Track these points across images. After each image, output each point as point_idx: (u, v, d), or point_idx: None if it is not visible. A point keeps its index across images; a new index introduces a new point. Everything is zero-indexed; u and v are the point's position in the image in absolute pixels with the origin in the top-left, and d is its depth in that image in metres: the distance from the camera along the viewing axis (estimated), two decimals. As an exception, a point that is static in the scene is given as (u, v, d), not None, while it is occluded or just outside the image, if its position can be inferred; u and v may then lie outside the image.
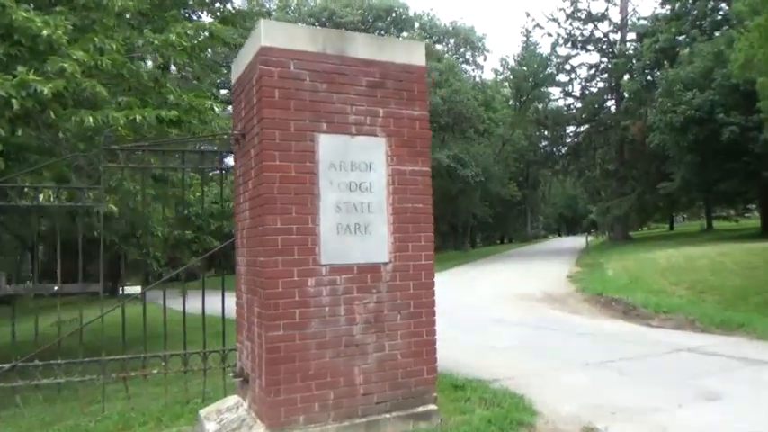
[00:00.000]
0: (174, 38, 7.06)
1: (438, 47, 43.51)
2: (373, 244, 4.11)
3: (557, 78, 37.77)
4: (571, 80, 37.03)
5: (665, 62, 29.22)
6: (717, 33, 26.20)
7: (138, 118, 6.10)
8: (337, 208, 4.01)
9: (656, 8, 31.97)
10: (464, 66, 46.04)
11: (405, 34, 40.22)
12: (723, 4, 27.81)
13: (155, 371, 4.86)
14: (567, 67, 36.89)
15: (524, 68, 38.37)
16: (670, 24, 29.06)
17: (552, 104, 39.26)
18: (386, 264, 4.16)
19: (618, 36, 35.20)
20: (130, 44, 7.13)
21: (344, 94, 4.09)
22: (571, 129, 38.13)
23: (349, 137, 4.09)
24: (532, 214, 67.69)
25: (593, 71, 35.94)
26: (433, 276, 4.36)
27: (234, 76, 4.70)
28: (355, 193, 4.08)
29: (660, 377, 5.75)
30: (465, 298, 14.93)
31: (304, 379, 3.83)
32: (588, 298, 13.75)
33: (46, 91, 5.21)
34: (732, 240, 22.93)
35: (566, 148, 38.36)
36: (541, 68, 37.20)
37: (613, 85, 34.10)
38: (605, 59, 35.03)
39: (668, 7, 30.57)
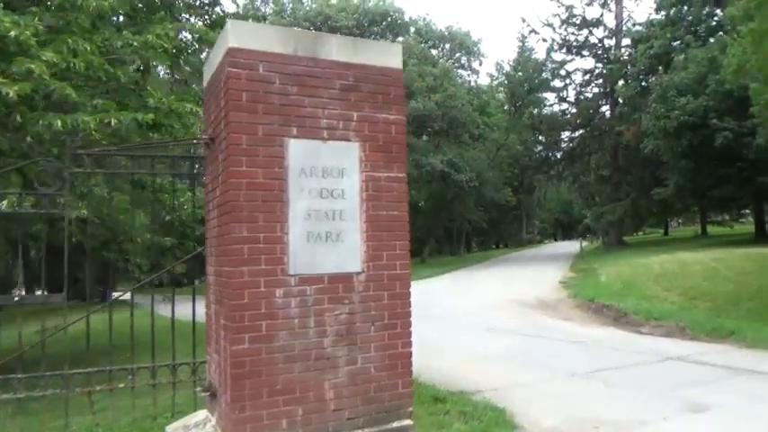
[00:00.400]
0: (152, 39, 6.91)
1: (433, 51, 43.51)
2: (345, 253, 3.96)
3: (552, 84, 37.78)
4: (566, 85, 37.05)
5: (660, 68, 29.20)
6: (711, 39, 26.19)
7: (114, 121, 5.94)
8: (308, 215, 3.86)
9: (650, 14, 32.22)
10: (459, 70, 46.07)
11: (400, 39, 40.20)
12: (718, 10, 27.82)
13: (121, 384, 4.69)
14: (563, 72, 36.89)
15: (519, 73, 38.33)
16: (665, 30, 29.07)
17: (547, 110, 39.22)
18: (359, 273, 4.01)
19: (613, 42, 35.22)
20: (110, 46, 6.97)
21: (316, 97, 3.95)
22: (566, 134, 38.13)
23: (321, 142, 3.94)
24: (528, 219, 67.67)
25: (587, 76, 35.96)
26: (409, 286, 4.22)
27: (205, 79, 4.56)
28: (327, 200, 3.93)
29: (647, 388, 5.60)
30: (459, 304, 14.81)
31: (271, 394, 3.67)
32: (580, 304, 13.63)
33: (11, 93, 5.05)
34: (726, 246, 22.85)
35: (560, 153, 38.31)
36: (536, 74, 37.20)
37: (608, 90, 34.09)
38: (600, 65, 35.04)
39: (663, 13, 30.59)
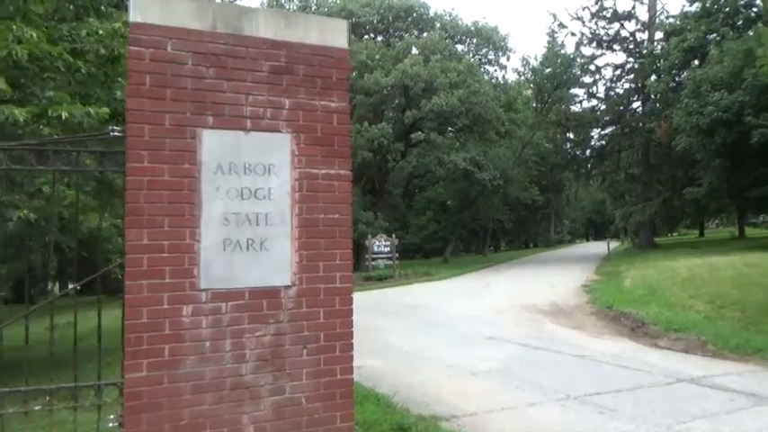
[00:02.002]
0: (120, 26, 6.45)
1: (459, 47, 42.61)
2: (272, 263, 3.39)
3: (581, 79, 36.48)
4: (595, 81, 35.69)
5: (694, 62, 27.86)
6: (750, 32, 24.77)
7: (65, 114, 5.50)
8: (225, 220, 3.29)
9: (684, 5, 30.52)
10: (486, 66, 45.04)
11: (425, 35, 39.39)
12: (757, 0, 26.34)
13: (37, 407, 4.20)
14: (592, 67, 35.56)
15: (547, 69, 37.15)
16: (700, 22, 27.64)
17: (576, 106, 37.96)
18: (288, 287, 3.43)
19: (645, 35, 33.81)
20: (75, 35, 6.54)
21: (239, 81, 3.38)
22: (596, 131, 36.82)
23: (243, 133, 3.37)
24: (557, 218, 66.10)
25: (618, 71, 34.55)
26: (351, 302, 3.62)
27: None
28: (249, 202, 3.35)
29: (647, 419, 4.88)
30: (468, 308, 14.10)
31: (175, 430, 3.12)
32: (597, 311, 12.79)
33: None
34: (763, 249, 21.53)
35: (589, 151, 37.00)
36: (564, 69, 35.95)
37: (639, 85, 32.69)
38: (631, 59, 33.63)
39: (698, 4, 29.12)
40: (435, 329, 10.85)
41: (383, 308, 15.22)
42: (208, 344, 3.21)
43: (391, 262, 28.07)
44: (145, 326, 3.09)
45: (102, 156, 3.89)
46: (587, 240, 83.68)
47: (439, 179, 38.60)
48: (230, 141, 3.32)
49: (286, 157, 3.45)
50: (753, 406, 5.19)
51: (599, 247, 43.80)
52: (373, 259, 28.10)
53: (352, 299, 3.61)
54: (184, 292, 3.18)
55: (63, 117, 5.53)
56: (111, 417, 3.77)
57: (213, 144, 3.28)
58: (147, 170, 3.14)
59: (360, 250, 31.62)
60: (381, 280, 26.31)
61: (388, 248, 28.25)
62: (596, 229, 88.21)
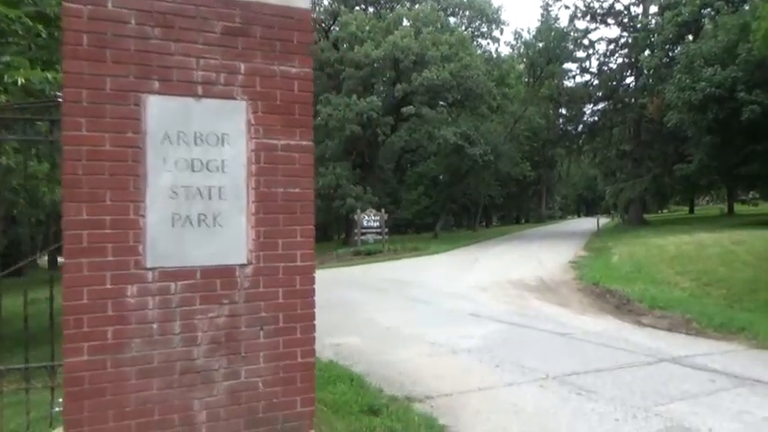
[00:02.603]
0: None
1: (451, 20, 41.88)
2: (226, 240, 3.17)
3: (574, 54, 36.05)
4: (589, 56, 35.34)
5: (689, 36, 27.49)
6: (746, 6, 24.39)
7: (21, 80, 5.20)
8: (173, 193, 3.06)
9: (680, -22, 30.00)
10: (479, 40, 44.40)
11: (417, 6, 38.65)
12: (753, -26, 25.89)
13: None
14: (586, 41, 35.15)
15: (540, 44, 36.63)
16: (695, -5, 27.23)
17: (569, 81, 37.57)
18: (244, 266, 3.21)
19: (640, 9, 33.33)
20: (38, -2, 6.19)
21: (188, 42, 3.11)
22: (589, 107, 36.52)
23: (193, 100, 3.11)
24: (548, 194, 66.07)
25: (612, 46, 34.20)
26: (313, 282, 3.41)
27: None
28: (200, 174, 3.12)
29: (626, 400, 4.76)
30: (455, 284, 13.99)
31: (119, 417, 2.93)
32: (583, 288, 12.70)
33: None
34: (752, 226, 21.52)
35: (581, 127, 36.75)
36: (557, 43, 35.49)
37: (633, 60, 32.34)
38: (626, 33, 33.21)
39: (694, -23, 28.63)
40: (419, 306, 10.72)
41: (369, 283, 15.08)
42: (155, 326, 3.01)
43: (380, 237, 27.92)
44: (85, 307, 2.87)
45: (53, 124, 3.63)
46: (578, 216, 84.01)
47: (431, 154, 38.23)
48: (179, 109, 3.07)
49: (241, 126, 3.21)
50: (733, 387, 5.08)
51: (589, 223, 43.91)
52: (362, 234, 27.94)
53: (313, 278, 3.41)
54: (129, 270, 2.96)
55: (20, 83, 5.23)
56: (60, 400, 3.57)
57: (160, 111, 3.03)
58: (85, 139, 2.89)
59: (349, 225, 31.48)
60: (370, 255, 26.18)
61: (378, 223, 28.07)
62: (587, 206, 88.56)
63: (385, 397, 4.83)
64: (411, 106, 32.54)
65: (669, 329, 8.13)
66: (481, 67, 33.52)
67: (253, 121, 3.24)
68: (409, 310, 10.22)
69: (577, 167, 64.96)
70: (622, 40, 33.26)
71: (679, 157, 27.59)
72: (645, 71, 30.26)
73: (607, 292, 11.46)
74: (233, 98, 3.20)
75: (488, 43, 44.75)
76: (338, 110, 29.62)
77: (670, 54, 27.93)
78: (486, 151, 31.79)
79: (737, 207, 36.85)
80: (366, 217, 28.07)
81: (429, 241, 32.41)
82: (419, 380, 5.54)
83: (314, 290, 3.41)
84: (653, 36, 29.47)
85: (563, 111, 38.46)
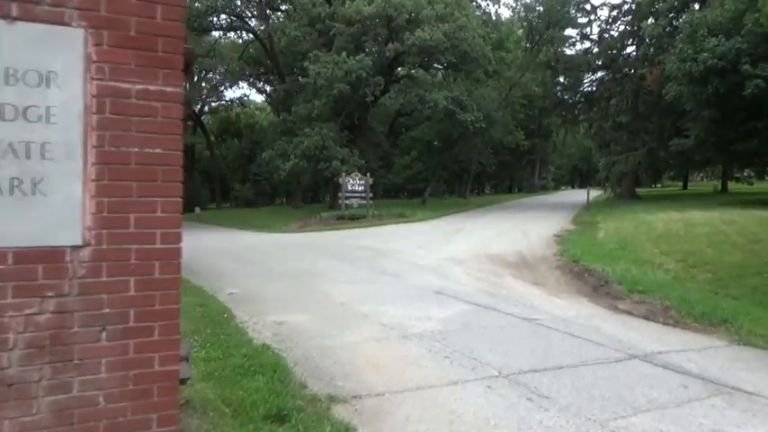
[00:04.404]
0: None
1: (450, -23, 40.21)
2: (51, 214, 2.41)
3: (576, 19, 34.71)
4: (590, 21, 34.05)
5: (695, 5, 26.36)
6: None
7: None
8: (-27, 149, 2.29)
9: (690, -58, 28.61)
10: (479, 0, 42.82)
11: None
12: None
13: None
14: (588, 6, 33.82)
15: (540, 8, 35.22)
16: (703, -39, 25.98)
17: (568, 48, 36.34)
18: (78, 248, 2.47)
19: (646, -27, 31.92)
20: None
21: (-2, -57, 2.29)
22: (589, 76, 35.41)
23: (4, 22, 2.31)
24: (542, 164, 65.22)
25: (614, 12, 32.88)
26: (179, 269, 2.68)
27: None
28: (14, 125, 2.34)
29: (583, 408, 4.11)
30: (429, 256, 13.33)
31: None
32: (563, 265, 12.05)
33: None
34: (744, 206, 20.89)
35: (578, 96, 35.70)
36: (559, 6, 34.09)
37: (635, 28, 31.13)
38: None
39: (704, -59, 27.28)
40: (384, 279, 10.06)
41: (339, 251, 14.42)
42: (-54, 325, 2.27)
43: (365, 201, 27.21)
44: None
45: None
46: (572, 188, 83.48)
47: (425, 118, 37.12)
48: (-18, 33, 2.27)
49: (77, 62, 2.41)
50: (708, 397, 4.43)
51: (582, 196, 43.26)
52: (347, 198, 27.21)
53: (179, 264, 2.67)
54: None
55: None
56: None
57: (-48, 35, 2.23)
58: None
59: (335, 188, 30.67)
60: (354, 220, 25.53)
61: (362, 187, 27.32)
62: (582, 177, 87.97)
63: (305, 396, 4.17)
64: (403, 67, 31.36)
65: (646, 317, 7.50)
66: (478, 29, 32.19)
67: (94, 57, 2.45)
68: (372, 284, 9.56)
69: (573, 138, 64.04)
70: (626, 7, 31.98)
71: (676, 132, 26.80)
72: (646, 40, 29.13)
73: (586, 272, 10.82)
74: (65, 23, 2.40)
75: (488, 4, 43.14)
76: (326, 67, 28.45)
77: (674, 23, 26.82)
78: (479, 117, 30.79)
79: (731, 185, 36.20)
80: (351, 181, 27.28)
81: (416, 207, 31.71)
82: (354, 372, 4.87)
83: (179, 279, 2.68)
84: (657, 3, 28.26)
85: (561, 79, 37.33)
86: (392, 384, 4.56)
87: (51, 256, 2.42)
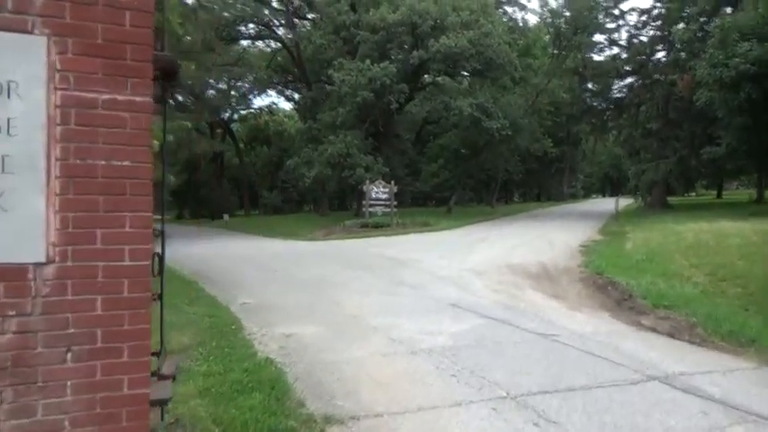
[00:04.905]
0: None
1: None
2: (13, 229, 2.31)
3: (603, 25, 34.09)
4: (618, 27, 33.40)
5: (727, 8, 25.61)
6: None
7: None
8: (-71, 162, 2.20)
9: (723, -55, 27.86)
10: (505, 7, 42.47)
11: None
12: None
13: None
14: (616, 11, 33.19)
15: (566, 12, 34.71)
16: (736, -37, 25.26)
17: (596, 54, 35.70)
18: (41, 265, 2.36)
19: (676, -23, 31.21)
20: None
21: (-41, -52, 2.21)
22: (619, 82, 34.70)
23: (-37, 30, 2.22)
24: (571, 172, 64.23)
25: (644, 17, 32.20)
26: (148, 287, 2.55)
27: None
28: (-27, 137, 2.24)
29: (594, 437, 3.86)
30: (451, 265, 13.11)
31: None
32: (586, 277, 11.68)
33: None
34: (780, 216, 20.12)
35: (606, 103, 35.01)
36: (586, 12, 33.54)
37: (665, 33, 30.41)
38: (659, 4, 31.21)
39: (737, -56, 26.54)
40: (401, 290, 9.87)
41: (359, 260, 14.28)
42: None
43: (389, 209, 27.06)
44: None
45: None
46: (603, 196, 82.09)
47: (452, 126, 36.79)
48: (-61, 42, 2.19)
49: (40, 71, 2.31)
50: (730, 425, 4.13)
51: (612, 204, 42.45)
52: (371, 206, 27.11)
53: (148, 282, 2.54)
54: None
55: None
56: None
57: None
58: None
59: (360, 196, 30.61)
60: (377, 228, 25.40)
61: (387, 195, 27.18)
62: (613, 185, 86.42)
63: (300, 416, 4.01)
64: (428, 75, 31.20)
65: (670, 334, 7.15)
66: (504, 35, 31.89)
67: (59, 66, 2.34)
68: (388, 295, 9.38)
69: (603, 145, 62.95)
70: (655, 11, 31.28)
71: (708, 139, 26.04)
72: (677, 45, 28.42)
73: (609, 284, 10.43)
74: (27, 31, 2.30)
75: (514, 11, 42.82)
76: (351, 75, 28.47)
77: (705, 27, 26.09)
78: (504, 125, 30.43)
79: (768, 194, 34.98)
80: (375, 188, 27.19)
81: (441, 216, 31.44)
82: (355, 390, 4.70)
83: (149, 298, 2.55)
84: (688, 7, 27.56)
85: (589, 85, 36.68)
86: (393, 404, 4.38)
87: (13, 274, 2.32)
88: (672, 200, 36.91)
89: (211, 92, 48.78)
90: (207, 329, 6.49)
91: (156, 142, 9.76)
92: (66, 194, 2.38)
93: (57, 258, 2.38)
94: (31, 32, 2.31)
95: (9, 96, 2.28)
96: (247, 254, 17.15)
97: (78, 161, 2.39)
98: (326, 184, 34.57)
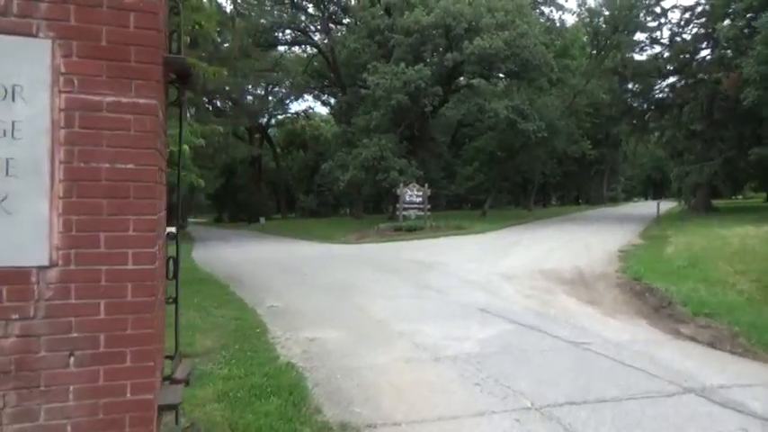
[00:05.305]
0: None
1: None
2: (17, 233, 2.31)
3: (644, 23, 33.15)
4: (660, 25, 32.40)
5: (776, 4, 24.56)
6: None
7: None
8: (-67, 166, 2.21)
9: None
10: (542, 7, 41.83)
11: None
12: None
13: None
14: (657, 9, 32.24)
15: (605, 11, 33.93)
16: (786, -44, 24.19)
17: (637, 53, 34.74)
18: (45, 269, 2.35)
19: (722, -28, 30.13)
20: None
21: (-36, -48, 2.22)
22: (662, 82, 33.67)
23: (-32, 35, 2.23)
24: (612, 175, 62.74)
25: (687, 15, 31.17)
26: (153, 292, 2.52)
27: None
28: (-23, 140, 2.25)
29: (622, 452, 3.67)
30: (482, 269, 12.90)
31: None
32: (623, 283, 11.31)
33: None
34: (833, 220, 19.17)
35: (647, 103, 34.03)
36: (626, 11, 32.71)
37: (710, 31, 29.39)
38: (703, 0, 30.17)
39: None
40: (429, 294, 9.74)
41: (389, 264, 14.20)
42: None
43: (423, 213, 26.93)
44: None
45: None
46: (645, 199, 79.96)
47: (488, 128, 36.39)
48: (-56, 46, 2.20)
49: (44, 75, 2.31)
50: (772, 442, 3.88)
51: (654, 208, 41.25)
52: (404, 209, 27.03)
53: (153, 287, 2.51)
54: None
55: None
56: None
57: None
58: None
59: (394, 199, 30.56)
60: (411, 231, 25.31)
61: (420, 199, 27.06)
62: (656, 188, 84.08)
63: (315, 423, 3.95)
64: (462, 77, 30.94)
65: (710, 344, 6.82)
66: (540, 36, 31.39)
67: (63, 69, 2.34)
68: (416, 299, 9.26)
69: (645, 147, 61.26)
70: (699, 8, 30.27)
71: (756, 140, 25.01)
72: (722, 42, 27.42)
73: (647, 291, 10.08)
74: (31, 35, 2.30)
75: (551, 11, 42.13)
76: (385, 78, 28.48)
77: (752, 23, 25.08)
78: (540, 127, 29.93)
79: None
80: (408, 192, 27.11)
81: (476, 219, 31.14)
82: (375, 396, 4.61)
83: (153, 302, 2.52)
84: (734, 3, 26.57)
85: (629, 85, 35.72)
86: (412, 413, 4.27)
87: (16, 277, 2.32)
88: (718, 203, 35.66)
89: (249, 97, 49.62)
90: (232, 332, 6.50)
91: (185, 147, 9.91)
92: (70, 198, 2.37)
93: (60, 262, 2.37)
94: (35, 36, 2.31)
95: (14, 100, 2.28)
96: (279, 257, 17.28)
97: (82, 164, 2.38)
98: (361, 188, 34.65)
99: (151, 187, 2.49)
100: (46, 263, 2.35)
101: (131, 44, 2.43)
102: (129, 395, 2.48)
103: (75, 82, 2.36)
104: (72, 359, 2.40)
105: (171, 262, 3.35)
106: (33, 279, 2.34)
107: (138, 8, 2.43)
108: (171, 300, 3.44)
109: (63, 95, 2.34)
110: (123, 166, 2.43)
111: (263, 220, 44.83)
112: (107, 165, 2.41)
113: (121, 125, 2.42)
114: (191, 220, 49.16)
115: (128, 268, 2.46)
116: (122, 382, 2.47)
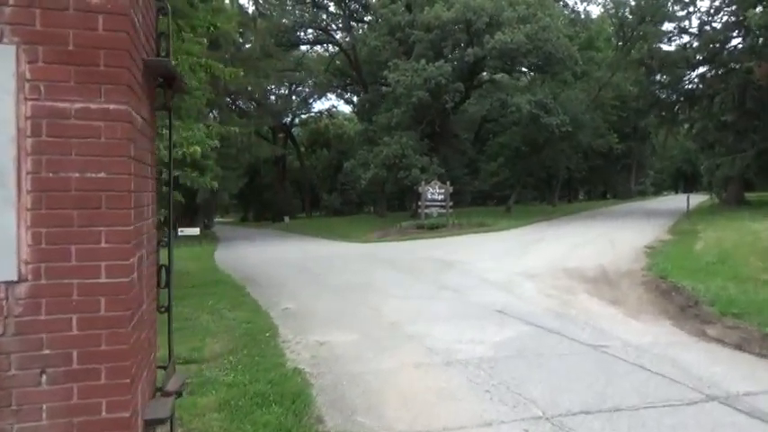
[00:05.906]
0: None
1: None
2: (-18, 246, 2.22)
3: (673, 13, 32.28)
4: (689, 14, 31.50)
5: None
6: None
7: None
8: None
9: None
10: (566, -1, 41.09)
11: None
12: None
13: None
14: (686, -2, 31.32)
15: (630, 0, 33.15)
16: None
17: (665, 44, 33.85)
18: (13, 284, 2.26)
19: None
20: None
21: (-77, -43, 2.14)
22: (691, 73, 32.77)
23: (-73, 42, 2.15)
24: (640, 169, 61.41)
25: (717, 3, 30.22)
26: (128, 306, 2.41)
27: None
28: (-60, 151, 2.17)
29: (636, 467, 3.47)
30: (503, 268, 12.67)
31: None
32: (648, 281, 10.96)
33: None
34: None
35: (676, 95, 33.13)
36: (654, 0, 31.88)
37: (740, 19, 28.44)
38: (734, -13, 29.22)
39: None
40: (445, 295, 9.56)
41: (407, 262, 14.05)
42: None
43: (445, 210, 26.69)
44: None
45: None
46: (675, 193, 78.20)
47: (511, 124, 35.91)
48: None
49: (8, 81, 2.22)
50: (800, 457, 3.63)
51: (685, 202, 40.24)
52: (426, 207, 26.82)
53: (129, 300, 2.41)
54: None
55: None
56: None
57: None
58: None
59: (416, 197, 30.38)
60: (433, 229, 25.11)
61: (442, 196, 26.81)
62: (686, 181, 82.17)
63: (313, 434, 3.82)
64: (484, 72, 30.56)
65: (738, 346, 6.51)
66: (563, 29, 30.83)
67: (29, 75, 2.24)
68: (430, 300, 9.10)
69: (674, 140, 59.82)
70: (730, -4, 29.35)
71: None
72: (754, 30, 26.49)
73: (673, 290, 9.72)
74: (-5, 40, 2.21)
75: (576, 3, 41.39)
76: (406, 75, 28.29)
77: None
78: (564, 121, 29.39)
79: None
80: (431, 189, 26.88)
81: (500, 216, 30.75)
82: (379, 405, 4.47)
83: (129, 317, 2.42)
84: (766, -11, 25.67)
85: (657, 77, 34.84)
86: (417, 422, 4.12)
87: (-17, 293, 2.23)
88: (750, 196, 34.59)
89: (272, 97, 49.90)
90: (241, 336, 6.44)
91: (196, 149, 9.87)
92: (39, 209, 2.28)
93: (29, 276, 2.28)
94: (-2, 41, 2.22)
95: (-24, 108, 2.20)
96: (298, 256, 17.26)
97: (51, 174, 2.29)
98: (384, 186, 34.54)
99: (125, 197, 2.38)
100: (14, 278, 2.26)
101: (100, 47, 2.32)
102: (104, 413, 2.38)
103: (42, 89, 2.26)
104: (44, 377, 2.31)
105: (162, 271, 3.27)
106: (2, 295, 2.25)
107: (106, 10, 2.32)
108: (163, 309, 3.36)
109: (29, 103, 2.25)
110: (94, 175, 2.33)
111: (287, 219, 45.04)
112: (77, 174, 2.31)
113: (91, 132, 2.32)
114: (217, 219, 49.71)
115: (101, 282, 2.36)
116: (97, 400, 2.38)
